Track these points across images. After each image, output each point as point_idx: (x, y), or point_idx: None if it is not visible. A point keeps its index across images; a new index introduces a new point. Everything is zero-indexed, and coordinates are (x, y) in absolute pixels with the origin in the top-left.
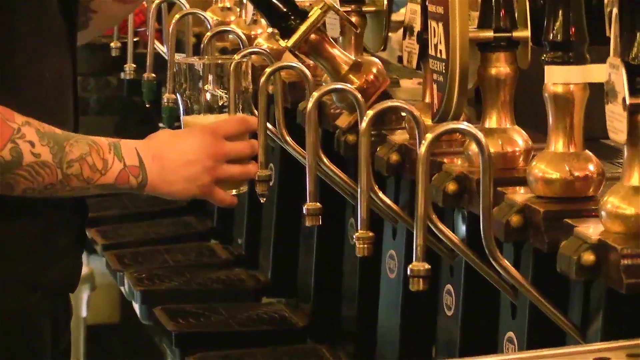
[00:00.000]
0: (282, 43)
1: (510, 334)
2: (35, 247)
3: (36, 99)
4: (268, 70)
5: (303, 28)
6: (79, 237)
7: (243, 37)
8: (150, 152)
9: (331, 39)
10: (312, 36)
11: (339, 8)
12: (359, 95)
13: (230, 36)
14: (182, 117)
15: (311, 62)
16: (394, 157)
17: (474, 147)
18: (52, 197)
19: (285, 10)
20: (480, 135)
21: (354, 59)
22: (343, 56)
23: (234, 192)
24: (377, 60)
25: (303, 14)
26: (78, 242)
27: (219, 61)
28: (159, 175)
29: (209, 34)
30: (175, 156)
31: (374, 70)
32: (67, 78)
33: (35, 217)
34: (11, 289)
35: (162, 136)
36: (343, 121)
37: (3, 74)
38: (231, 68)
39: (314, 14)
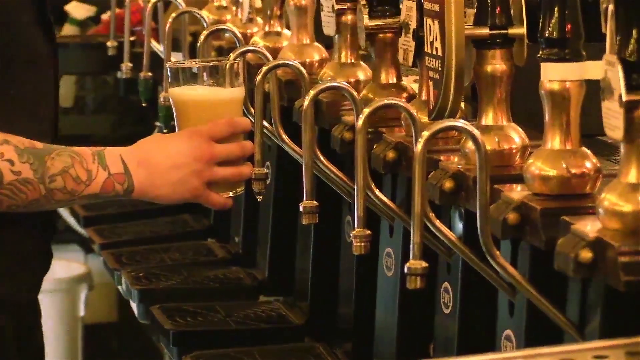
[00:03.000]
0: (365, 19)
1: (508, 331)
2: None
3: (7, 119)
4: (264, 68)
5: (393, 20)
6: (40, 251)
7: (239, 35)
8: (136, 157)
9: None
10: (390, 34)
11: None
12: (355, 93)
13: (227, 35)
14: (173, 112)
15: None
16: (391, 154)
17: (470, 145)
18: (37, 210)
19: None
20: (476, 132)
21: (398, 81)
22: (393, 71)
23: (230, 193)
24: (413, 90)
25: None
26: (41, 256)
27: (211, 63)
28: (146, 180)
29: (205, 32)
30: (162, 160)
31: (404, 95)
32: (47, 96)
33: None
34: None
35: (150, 141)
36: (351, 117)
37: None
38: (226, 68)
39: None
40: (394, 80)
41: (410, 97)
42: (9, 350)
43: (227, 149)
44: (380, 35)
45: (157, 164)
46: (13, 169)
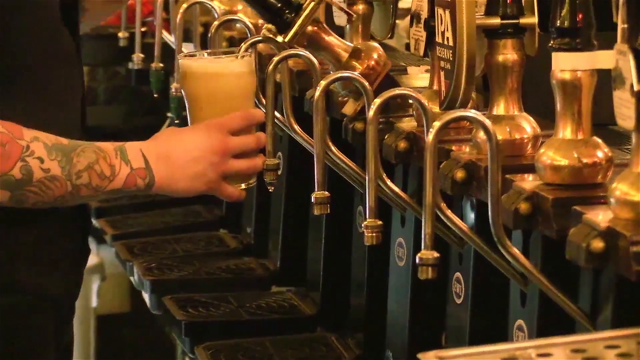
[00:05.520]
0: (279, 39)
1: (520, 321)
2: (31, 255)
3: (40, 111)
4: (275, 58)
5: (299, 21)
6: (79, 247)
7: (250, 25)
8: (155, 151)
9: (328, 28)
10: (309, 28)
11: None
12: (366, 83)
13: (238, 25)
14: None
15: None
16: (402, 144)
17: (481, 135)
18: (60, 207)
19: (279, 5)
20: (487, 122)
21: (352, 45)
22: (342, 44)
23: (243, 186)
24: (376, 45)
25: (297, 7)
26: (78, 252)
27: (222, 56)
28: (166, 174)
29: (216, 23)
30: (181, 153)
31: (375, 55)
32: (75, 89)
33: (32, 226)
34: (11, 292)
35: (167, 134)
36: (349, 109)
37: (8, 87)
38: (238, 59)
39: (308, 5)
40: (349, 48)
41: (378, 53)
42: (49, 345)
43: (243, 141)
44: (301, 38)
45: (176, 158)
46: (43, 166)
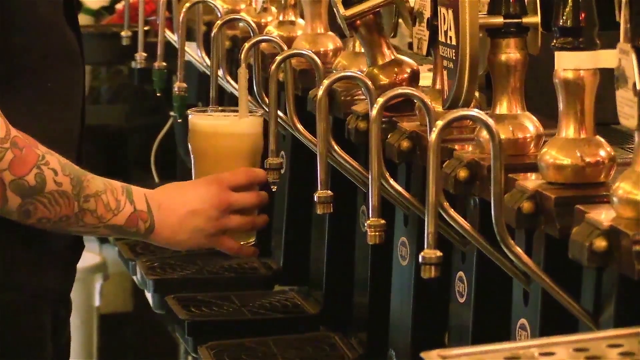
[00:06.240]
0: (341, 10)
1: (523, 320)
2: (25, 252)
3: (43, 109)
4: (278, 58)
5: (367, 5)
6: (73, 242)
7: (253, 25)
8: (158, 200)
9: (385, 31)
10: (370, 16)
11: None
12: (369, 83)
13: (241, 24)
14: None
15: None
16: (405, 144)
17: (484, 134)
18: (61, 230)
19: None
20: (490, 121)
21: (395, 57)
22: (387, 49)
23: (241, 243)
24: (415, 64)
25: None
26: (72, 247)
27: (232, 115)
28: (165, 224)
29: (219, 22)
30: (180, 205)
31: (408, 70)
32: (77, 87)
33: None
34: (5, 290)
35: (169, 187)
36: (363, 107)
37: (11, 85)
38: (241, 56)
39: None
40: (391, 58)
41: (413, 72)
42: (47, 344)
43: (244, 197)
44: (359, 21)
45: (176, 209)
46: (56, 179)
